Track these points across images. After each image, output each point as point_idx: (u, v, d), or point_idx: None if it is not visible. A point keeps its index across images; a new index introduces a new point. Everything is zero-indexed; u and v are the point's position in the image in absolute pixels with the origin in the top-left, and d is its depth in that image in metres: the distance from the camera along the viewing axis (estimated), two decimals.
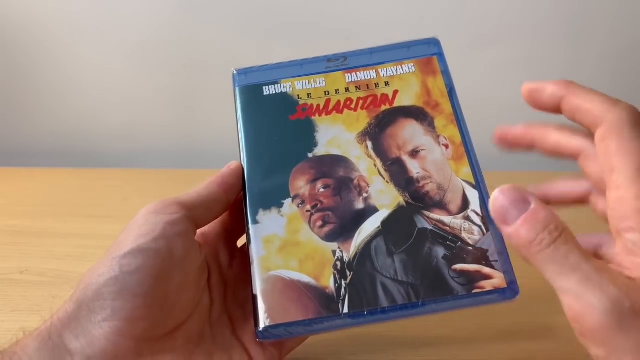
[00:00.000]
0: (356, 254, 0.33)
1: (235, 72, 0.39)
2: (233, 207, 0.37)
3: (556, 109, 0.31)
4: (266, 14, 0.67)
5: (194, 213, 0.33)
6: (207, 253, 0.35)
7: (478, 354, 0.38)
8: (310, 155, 0.36)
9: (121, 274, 0.29)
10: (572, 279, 0.25)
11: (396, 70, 0.38)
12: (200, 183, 0.35)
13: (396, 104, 0.37)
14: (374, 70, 0.38)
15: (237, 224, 0.37)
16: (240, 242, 0.38)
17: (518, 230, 0.27)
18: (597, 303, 0.24)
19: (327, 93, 0.38)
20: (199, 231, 0.35)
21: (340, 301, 0.32)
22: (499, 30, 0.66)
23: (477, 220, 0.33)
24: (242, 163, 0.36)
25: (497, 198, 0.28)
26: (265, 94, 0.38)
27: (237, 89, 0.39)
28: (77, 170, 0.69)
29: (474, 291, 0.31)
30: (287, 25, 0.67)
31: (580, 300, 0.25)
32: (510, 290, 0.31)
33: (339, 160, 0.36)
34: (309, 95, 0.38)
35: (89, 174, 0.67)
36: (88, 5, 0.68)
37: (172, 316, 0.30)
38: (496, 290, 0.31)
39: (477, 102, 0.68)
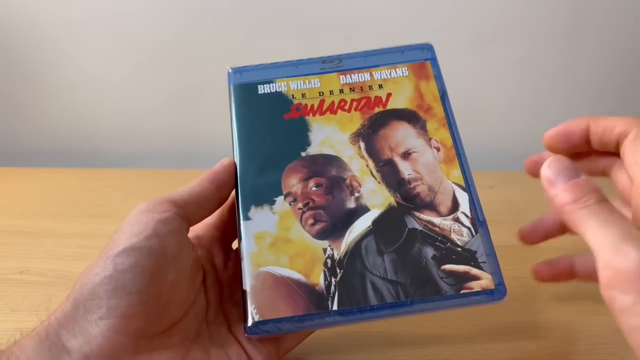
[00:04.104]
0: (347, 252, 0.33)
1: (230, 70, 0.40)
2: (227, 210, 0.37)
3: (585, 140, 0.35)
4: (266, 15, 0.67)
5: (185, 210, 0.33)
6: (202, 255, 0.35)
7: (478, 354, 0.38)
8: (303, 154, 0.36)
9: (115, 272, 0.29)
10: (612, 229, 0.27)
11: (390, 74, 0.39)
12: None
13: (389, 106, 0.38)
14: (368, 73, 0.39)
15: (231, 227, 0.37)
16: (235, 244, 0.38)
17: (564, 191, 0.29)
18: (634, 252, 0.25)
19: (321, 94, 0.38)
20: (193, 234, 0.35)
21: (330, 298, 0.32)
22: (497, 30, 0.66)
23: (467, 222, 0.34)
24: (235, 160, 0.36)
25: (550, 164, 0.30)
26: (259, 92, 0.38)
27: (231, 86, 0.39)
28: (77, 170, 0.68)
29: (462, 291, 0.32)
30: (287, 26, 0.68)
31: (616, 248, 0.26)
32: (497, 292, 0.32)
33: (332, 160, 0.36)
34: (303, 95, 0.38)
35: (89, 174, 0.67)
36: (87, 6, 0.68)
37: (167, 313, 0.31)
38: (484, 291, 0.32)
39: (476, 102, 0.69)
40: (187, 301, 0.32)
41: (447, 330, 0.40)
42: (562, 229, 0.38)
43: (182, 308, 0.32)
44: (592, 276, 0.36)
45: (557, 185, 0.30)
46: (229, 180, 0.35)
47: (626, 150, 0.32)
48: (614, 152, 0.34)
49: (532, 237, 0.39)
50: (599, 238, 0.27)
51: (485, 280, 0.32)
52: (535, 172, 0.36)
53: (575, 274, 0.39)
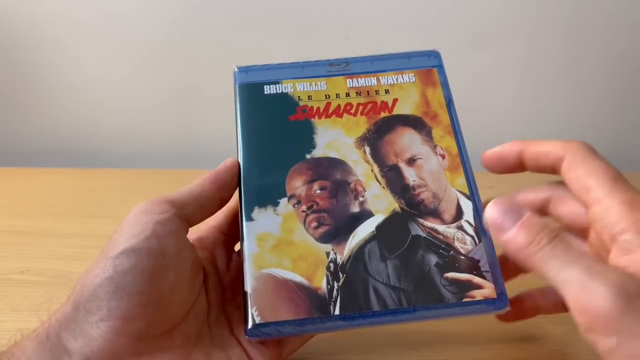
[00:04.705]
0: (350, 256, 0.33)
1: (236, 70, 0.39)
2: (231, 213, 0.37)
3: (520, 165, 0.34)
4: (266, 14, 0.67)
5: (184, 211, 0.33)
6: (204, 257, 0.35)
7: (478, 354, 0.38)
8: (308, 156, 0.36)
9: (115, 273, 0.29)
10: (574, 269, 0.26)
11: (397, 79, 0.39)
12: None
13: (395, 112, 0.38)
14: (375, 78, 0.39)
15: (234, 229, 0.37)
16: (238, 247, 0.37)
17: (515, 235, 0.28)
18: (603, 289, 0.24)
19: (327, 96, 0.38)
20: (196, 236, 0.35)
21: (332, 303, 0.31)
22: (497, 31, 0.66)
23: (470, 230, 0.34)
24: (239, 160, 0.36)
25: (492, 209, 0.30)
26: (265, 93, 0.38)
27: (237, 86, 0.39)
28: (77, 170, 0.68)
29: (464, 300, 0.31)
30: (287, 26, 0.68)
31: (584, 288, 0.25)
32: (499, 301, 0.32)
33: (337, 163, 0.36)
34: (309, 97, 0.38)
35: (89, 174, 0.67)
36: (87, 6, 0.68)
37: (168, 315, 0.30)
38: (486, 301, 0.32)
39: (476, 103, 0.69)
40: (188, 302, 0.32)
41: (447, 331, 0.40)
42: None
43: (183, 309, 0.32)
44: (557, 308, 0.36)
45: (506, 229, 0.29)
46: (231, 181, 0.35)
47: (568, 176, 0.31)
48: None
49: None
50: (564, 278, 0.26)
51: (487, 290, 0.32)
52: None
53: (539, 309, 0.37)
